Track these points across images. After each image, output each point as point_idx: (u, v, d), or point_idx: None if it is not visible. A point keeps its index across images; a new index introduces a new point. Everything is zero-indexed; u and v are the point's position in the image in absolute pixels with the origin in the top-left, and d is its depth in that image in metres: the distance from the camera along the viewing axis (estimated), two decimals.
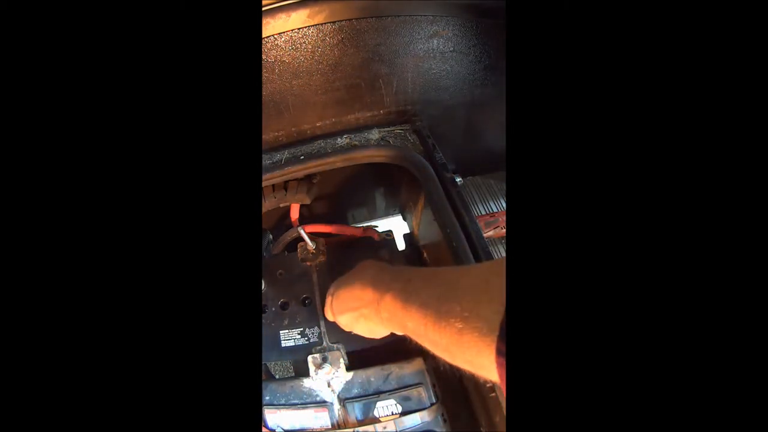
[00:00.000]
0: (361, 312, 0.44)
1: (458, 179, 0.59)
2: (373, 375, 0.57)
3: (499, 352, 0.26)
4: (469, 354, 0.29)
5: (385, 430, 0.54)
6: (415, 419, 0.54)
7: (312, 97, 0.63)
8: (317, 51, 0.57)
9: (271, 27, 0.53)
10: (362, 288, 0.44)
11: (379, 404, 0.55)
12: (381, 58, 0.60)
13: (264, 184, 0.64)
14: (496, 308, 0.27)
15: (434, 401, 0.55)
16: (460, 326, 0.29)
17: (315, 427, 0.56)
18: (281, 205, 0.71)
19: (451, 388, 0.59)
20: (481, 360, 0.28)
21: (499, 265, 0.31)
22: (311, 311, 0.65)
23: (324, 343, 0.62)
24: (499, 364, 0.26)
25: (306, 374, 0.59)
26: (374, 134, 0.65)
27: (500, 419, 0.46)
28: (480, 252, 0.51)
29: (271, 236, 0.78)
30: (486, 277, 0.31)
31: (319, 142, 0.64)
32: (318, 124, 0.67)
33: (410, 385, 0.56)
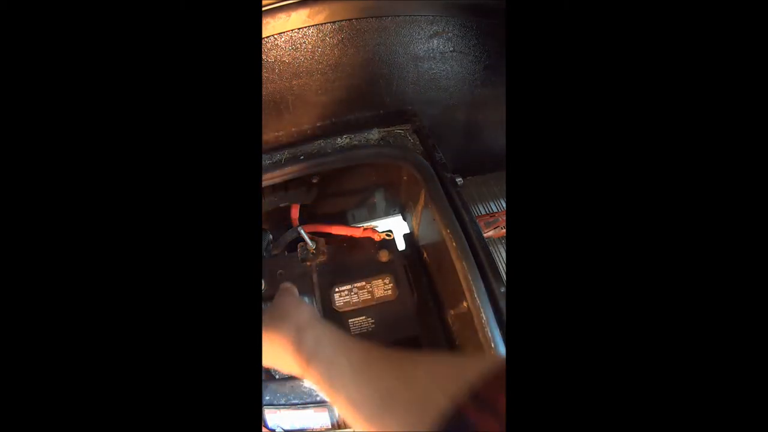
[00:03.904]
0: (285, 362, 0.40)
1: (458, 179, 0.59)
2: None
3: None
4: None
5: None
6: None
7: (312, 97, 0.63)
8: (317, 51, 0.57)
9: (271, 27, 0.53)
10: (283, 341, 0.39)
11: None
12: (381, 58, 0.60)
13: (264, 184, 0.64)
14: None
15: None
16: None
17: (315, 427, 0.56)
18: (281, 205, 0.71)
19: None
20: None
21: (441, 374, 0.28)
22: None
23: None
24: None
25: None
26: (374, 134, 0.65)
27: None
28: (480, 252, 0.51)
29: (271, 236, 0.78)
30: (427, 392, 0.28)
31: (319, 142, 0.64)
32: (318, 124, 0.67)
33: None
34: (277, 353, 0.40)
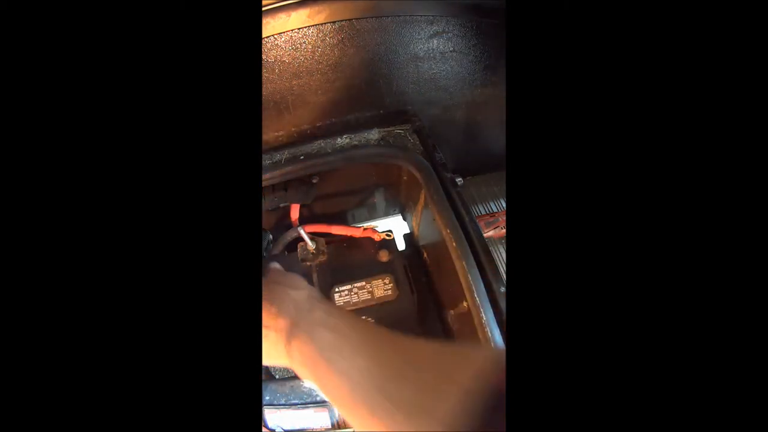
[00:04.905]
0: (267, 333, 0.38)
1: (458, 179, 0.59)
2: None
3: None
4: None
5: None
6: None
7: (312, 97, 0.63)
8: (317, 51, 0.57)
9: (271, 27, 0.53)
10: (277, 310, 0.38)
11: None
12: (381, 58, 0.60)
13: (264, 184, 0.64)
14: None
15: None
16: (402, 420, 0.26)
17: (315, 427, 0.56)
18: (281, 205, 0.71)
19: None
20: None
21: (447, 362, 0.26)
22: None
23: None
24: None
25: None
26: (374, 134, 0.65)
27: None
28: (480, 252, 0.51)
29: (271, 236, 0.78)
30: (437, 380, 0.26)
31: (319, 142, 0.64)
32: (318, 124, 0.67)
33: None
34: (269, 349, 0.38)
